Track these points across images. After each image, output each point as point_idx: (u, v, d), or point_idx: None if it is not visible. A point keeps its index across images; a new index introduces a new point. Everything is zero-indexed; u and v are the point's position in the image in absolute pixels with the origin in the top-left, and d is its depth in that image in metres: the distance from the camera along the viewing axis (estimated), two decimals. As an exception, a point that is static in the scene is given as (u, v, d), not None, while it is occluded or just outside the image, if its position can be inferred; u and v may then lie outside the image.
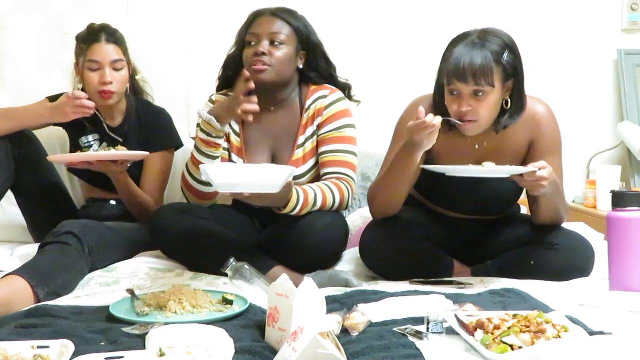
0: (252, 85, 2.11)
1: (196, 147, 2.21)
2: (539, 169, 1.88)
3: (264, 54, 2.24)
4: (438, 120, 1.87)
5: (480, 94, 1.96)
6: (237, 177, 1.85)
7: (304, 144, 2.33)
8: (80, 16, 2.92)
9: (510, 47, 2.00)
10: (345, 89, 2.42)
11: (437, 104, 2.10)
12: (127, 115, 2.56)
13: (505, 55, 1.97)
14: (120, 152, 2.35)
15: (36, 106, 2.49)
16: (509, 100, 2.03)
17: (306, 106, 2.35)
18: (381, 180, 2.09)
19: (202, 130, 2.17)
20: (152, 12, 3.05)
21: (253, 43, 2.28)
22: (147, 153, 2.39)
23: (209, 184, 2.23)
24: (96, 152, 2.36)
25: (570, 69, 3.20)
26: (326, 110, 2.32)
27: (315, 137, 2.33)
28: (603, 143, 3.26)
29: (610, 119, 3.29)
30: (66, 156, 2.45)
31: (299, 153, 2.33)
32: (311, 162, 2.33)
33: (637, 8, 3.26)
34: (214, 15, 3.05)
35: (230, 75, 2.41)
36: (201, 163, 2.19)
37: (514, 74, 2.00)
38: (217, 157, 2.21)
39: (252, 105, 2.11)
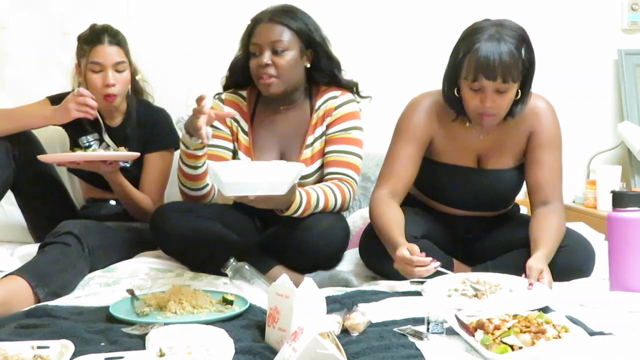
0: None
1: (180, 157, 2.20)
2: (534, 282, 1.84)
3: (267, 65, 2.23)
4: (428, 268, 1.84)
5: (504, 89, 1.98)
6: (246, 176, 1.84)
7: (312, 143, 2.33)
8: (80, 16, 2.91)
9: (526, 40, 2.02)
10: (352, 87, 2.40)
11: (447, 97, 2.11)
12: (127, 115, 2.57)
13: (523, 50, 1.99)
14: (109, 153, 2.35)
15: (38, 107, 2.49)
16: (519, 90, 2.04)
17: (316, 106, 2.34)
18: (376, 220, 2.07)
19: (182, 142, 2.15)
20: (152, 12, 3.05)
21: (256, 54, 2.26)
22: (137, 154, 2.38)
23: (199, 189, 2.23)
24: (84, 153, 2.36)
25: (570, 69, 3.20)
26: (336, 111, 2.32)
27: (323, 137, 2.33)
28: (603, 143, 3.25)
29: (610, 119, 3.29)
30: (55, 156, 2.44)
31: (307, 153, 2.33)
32: (319, 162, 2.33)
33: (637, 8, 3.25)
34: (214, 15, 3.05)
35: (237, 78, 2.40)
36: (187, 174, 2.19)
37: (529, 66, 2.02)
38: (199, 167, 2.18)
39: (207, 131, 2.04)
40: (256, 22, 2.30)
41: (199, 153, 2.14)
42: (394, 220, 2.03)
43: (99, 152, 2.37)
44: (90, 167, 2.33)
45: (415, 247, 1.87)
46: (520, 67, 1.98)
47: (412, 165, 2.16)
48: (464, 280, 1.90)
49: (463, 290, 1.85)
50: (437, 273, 1.90)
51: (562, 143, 2.18)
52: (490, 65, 1.94)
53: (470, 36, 2.00)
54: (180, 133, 2.15)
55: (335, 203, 2.19)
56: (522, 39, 2.00)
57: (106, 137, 2.50)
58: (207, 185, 2.24)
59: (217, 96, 2.41)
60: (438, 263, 1.86)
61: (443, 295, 1.83)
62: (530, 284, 1.83)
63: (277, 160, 2.17)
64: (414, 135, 2.15)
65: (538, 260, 1.89)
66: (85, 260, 2.09)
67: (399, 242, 1.92)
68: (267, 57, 2.24)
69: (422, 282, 1.99)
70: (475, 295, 1.82)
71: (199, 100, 2.00)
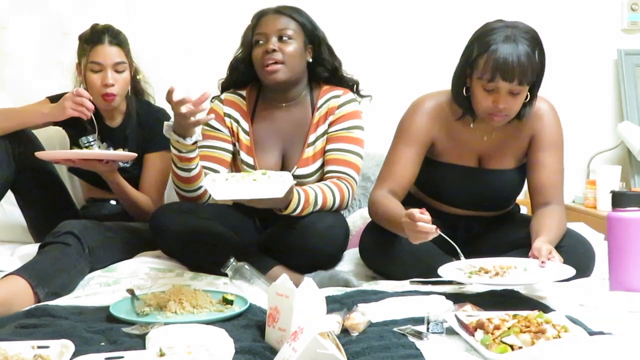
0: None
1: (172, 160, 2.19)
2: (545, 260, 1.85)
3: (274, 50, 2.25)
4: (431, 229, 1.85)
5: (517, 91, 1.99)
6: (237, 193, 1.87)
7: (314, 142, 2.33)
8: (80, 16, 2.92)
9: (539, 42, 2.02)
10: (353, 84, 2.42)
11: (456, 96, 2.11)
12: (127, 115, 2.57)
13: (537, 52, 2.00)
14: (105, 152, 2.35)
15: (36, 105, 2.49)
16: (528, 92, 2.05)
17: (318, 105, 2.35)
18: (381, 213, 2.08)
19: (173, 147, 2.14)
20: (152, 12, 3.05)
21: (261, 42, 2.28)
22: (134, 154, 2.38)
23: (193, 190, 2.23)
24: (81, 151, 2.36)
25: (570, 69, 3.20)
26: (338, 110, 2.33)
27: (325, 135, 2.33)
28: (603, 143, 3.26)
29: (610, 119, 3.29)
30: (52, 153, 2.44)
31: (309, 151, 2.33)
32: (320, 161, 2.33)
33: (637, 8, 3.26)
34: (214, 15, 3.05)
35: (237, 76, 2.40)
36: (180, 177, 2.19)
37: (541, 69, 2.03)
38: (193, 169, 2.18)
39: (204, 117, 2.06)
40: (261, 15, 2.34)
41: (192, 155, 2.14)
42: (398, 207, 2.04)
43: (95, 150, 2.36)
44: (87, 165, 2.32)
45: (424, 210, 1.87)
46: (535, 69, 1.99)
47: (412, 168, 2.16)
48: (478, 267, 1.91)
49: (480, 271, 1.86)
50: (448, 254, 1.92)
51: (564, 145, 2.18)
52: (508, 67, 1.95)
53: (485, 36, 2.00)
54: (170, 138, 2.13)
55: (333, 201, 2.19)
56: (536, 41, 2.01)
57: (98, 139, 2.50)
58: (201, 186, 2.24)
59: (215, 99, 2.41)
60: (437, 229, 1.85)
61: (463, 277, 1.84)
62: (543, 262, 1.83)
63: (261, 171, 2.06)
64: (415, 138, 2.15)
65: (543, 242, 1.90)
66: (85, 260, 2.09)
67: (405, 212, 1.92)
68: (274, 42, 2.26)
69: (422, 282, 2.00)
70: (497, 274, 1.82)
71: (169, 93, 2.00)
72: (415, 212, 1.85)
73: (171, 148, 2.16)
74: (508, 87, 1.98)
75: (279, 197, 1.91)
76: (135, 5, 3.04)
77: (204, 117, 2.05)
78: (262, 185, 1.90)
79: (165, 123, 2.14)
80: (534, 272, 1.84)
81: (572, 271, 1.81)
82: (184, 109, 2.00)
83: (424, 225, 1.84)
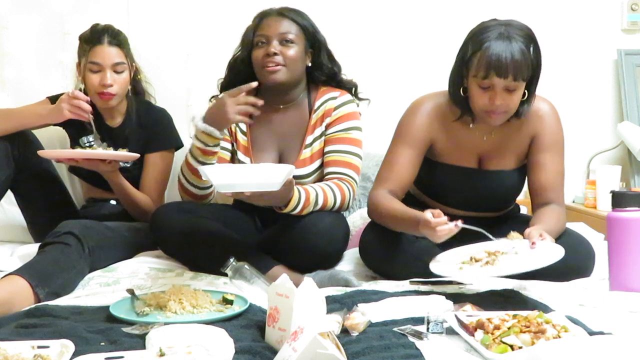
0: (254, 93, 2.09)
1: (191, 154, 2.19)
2: (536, 240, 1.86)
3: (275, 54, 2.25)
4: (449, 226, 1.85)
5: (513, 88, 1.99)
6: (236, 178, 1.86)
7: (311, 143, 2.33)
8: (80, 16, 2.92)
9: (534, 39, 2.03)
10: (351, 87, 2.42)
11: (453, 96, 2.11)
12: (127, 115, 2.57)
13: (532, 49, 2.00)
14: (108, 152, 2.35)
15: (35, 106, 2.49)
16: (526, 90, 2.05)
17: (315, 106, 2.35)
18: (386, 213, 2.08)
19: (198, 139, 2.15)
20: (152, 12, 3.05)
21: (262, 43, 2.28)
22: (137, 155, 2.38)
23: (205, 188, 2.23)
24: (84, 150, 2.36)
25: (570, 69, 3.20)
26: (335, 111, 2.33)
27: (323, 137, 2.33)
28: (603, 143, 3.26)
29: (610, 119, 3.29)
30: (55, 152, 2.45)
31: (306, 153, 2.33)
32: (318, 163, 2.33)
33: (637, 8, 3.26)
34: (214, 15, 3.05)
35: (236, 76, 2.40)
36: (196, 170, 2.18)
37: (537, 66, 2.04)
38: (213, 164, 2.18)
39: (251, 108, 2.10)
40: (263, 16, 2.33)
41: (216, 149, 2.16)
42: (403, 206, 2.05)
43: (99, 150, 2.36)
44: (89, 165, 2.33)
45: (438, 210, 1.88)
46: (530, 65, 1.99)
47: (412, 168, 2.16)
48: (469, 256, 1.91)
49: (471, 260, 1.86)
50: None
51: (564, 146, 2.18)
52: (502, 63, 1.95)
53: (479, 34, 2.01)
54: (195, 129, 2.14)
55: (334, 201, 2.19)
56: (531, 39, 2.01)
57: (98, 140, 2.50)
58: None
59: (213, 98, 2.41)
60: (460, 221, 1.86)
61: (455, 268, 1.84)
62: (533, 243, 1.84)
63: (265, 163, 2.20)
64: (414, 138, 2.16)
65: (535, 228, 1.90)
66: (85, 260, 2.09)
67: (419, 213, 1.92)
68: (275, 46, 2.26)
69: (422, 282, 2.00)
70: (487, 262, 1.82)
71: (240, 90, 2.08)
72: (430, 217, 1.86)
73: (195, 141, 2.16)
74: (503, 84, 1.98)
75: (279, 191, 1.91)
76: (135, 5, 3.05)
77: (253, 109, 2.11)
78: (262, 168, 1.91)
79: (195, 115, 2.15)
80: (524, 256, 1.83)
81: (561, 251, 1.80)
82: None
83: (442, 228, 1.85)
